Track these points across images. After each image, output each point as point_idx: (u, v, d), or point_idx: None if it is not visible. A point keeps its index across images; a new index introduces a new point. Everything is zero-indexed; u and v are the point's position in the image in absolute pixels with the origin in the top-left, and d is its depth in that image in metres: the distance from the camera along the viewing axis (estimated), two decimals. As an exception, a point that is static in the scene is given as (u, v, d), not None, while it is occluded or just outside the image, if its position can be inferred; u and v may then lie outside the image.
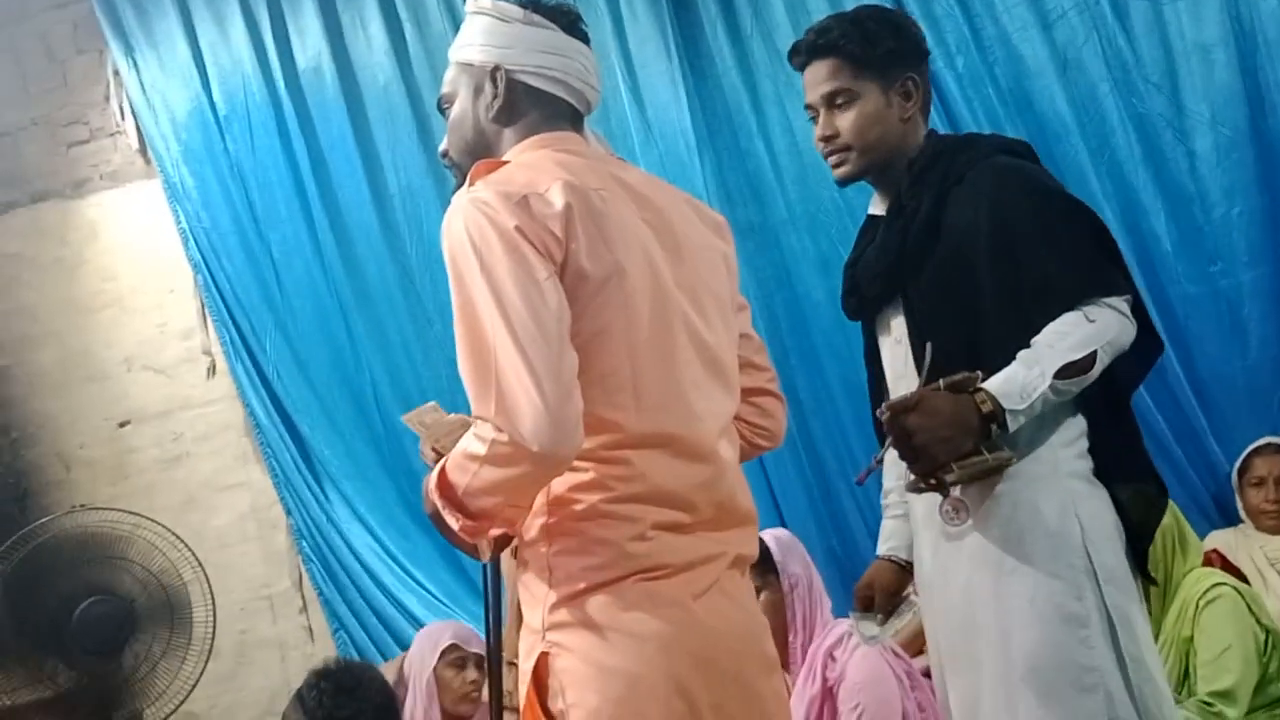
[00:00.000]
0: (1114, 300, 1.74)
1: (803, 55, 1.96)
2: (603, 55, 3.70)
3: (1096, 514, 1.78)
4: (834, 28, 1.93)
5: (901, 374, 1.91)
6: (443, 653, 3.01)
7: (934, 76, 3.44)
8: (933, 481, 1.73)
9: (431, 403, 1.76)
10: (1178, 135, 3.27)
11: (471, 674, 2.99)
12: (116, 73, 4.19)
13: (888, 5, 3.34)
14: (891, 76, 1.91)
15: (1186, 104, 3.27)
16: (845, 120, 1.91)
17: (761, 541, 2.67)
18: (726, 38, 3.72)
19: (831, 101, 1.92)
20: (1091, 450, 1.81)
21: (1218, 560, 2.96)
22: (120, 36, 4.12)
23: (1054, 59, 3.38)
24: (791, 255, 3.67)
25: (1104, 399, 1.81)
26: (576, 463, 1.47)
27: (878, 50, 1.90)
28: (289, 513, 4.02)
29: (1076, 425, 1.81)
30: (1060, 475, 1.79)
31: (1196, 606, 2.73)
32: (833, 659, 2.68)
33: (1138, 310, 1.79)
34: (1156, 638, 2.65)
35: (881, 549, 2.17)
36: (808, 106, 1.98)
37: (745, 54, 3.71)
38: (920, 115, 1.96)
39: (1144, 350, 1.83)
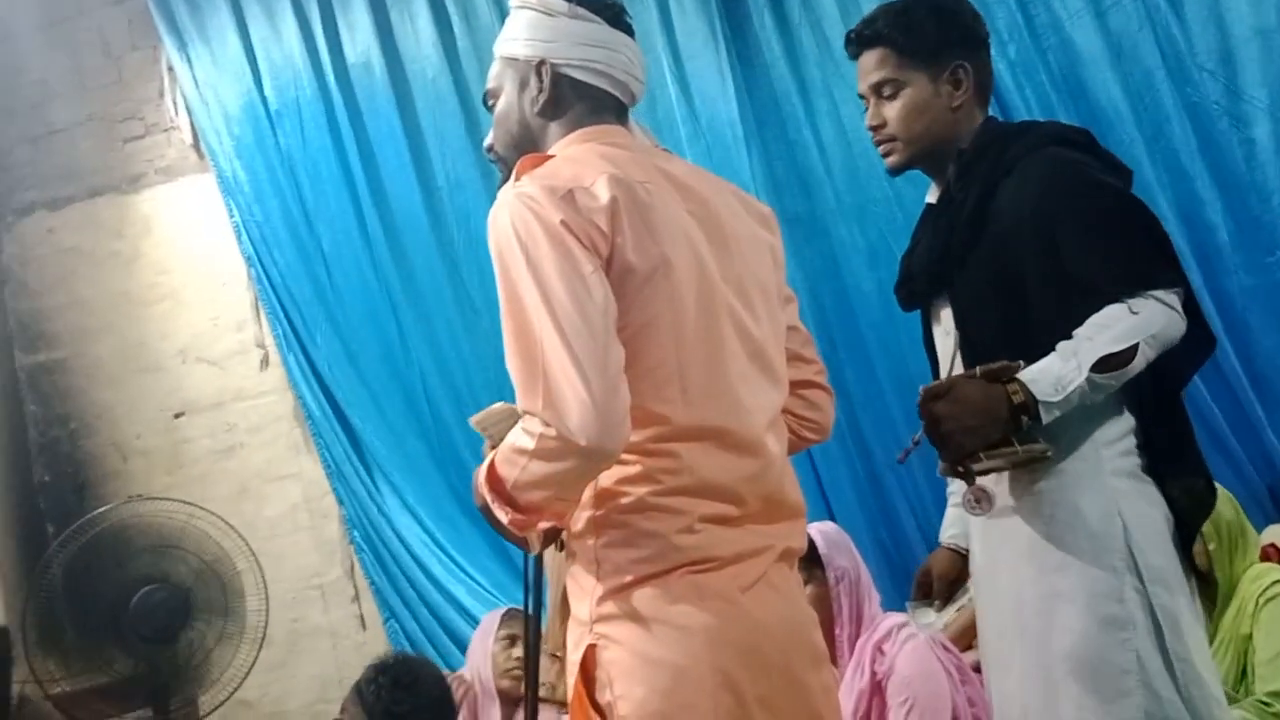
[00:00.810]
0: (1161, 293, 1.71)
1: (853, 45, 1.97)
2: (649, 47, 3.71)
3: (1143, 513, 1.74)
4: (880, 18, 1.93)
5: (947, 365, 1.90)
6: (499, 628, 3.14)
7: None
8: (961, 469, 1.71)
9: (499, 404, 1.75)
10: (1234, 123, 3.20)
11: (518, 650, 3.07)
12: (170, 69, 4.25)
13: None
14: (940, 65, 1.89)
15: (1244, 91, 3.20)
16: (892, 110, 1.91)
17: (807, 534, 2.67)
18: (775, 27, 3.70)
19: (879, 91, 1.93)
20: (1141, 447, 1.78)
21: (1275, 554, 2.90)
22: (174, 33, 4.18)
23: (1108, 46, 3.32)
24: (840, 246, 3.64)
25: (1153, 394, 1.78)
26: (624, 456, 1.47)
27: (924, 39, 1.89)
28: (340, 503, 4.07)
29: (1123, 422, 1.78)
30: (1104, 474, 1.75)
31: (1256, 604, 2.67)
32: (881, 652, 2.66)
33: (1189, 305, 1.75)
34: (1215, 636, 2.61)
35: (943, 536, 2.16)
36: (860, 96, 1.98)
37: (793, 43, 3.69)
38: (976, 103, 1.93)
39: (1195, 345, 1.79)
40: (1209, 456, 3.13)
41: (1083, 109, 3.34)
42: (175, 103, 4.28)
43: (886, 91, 1.92)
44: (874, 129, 1.95)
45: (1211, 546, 2.61)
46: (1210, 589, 2.60)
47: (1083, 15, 3.34)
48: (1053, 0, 3.38)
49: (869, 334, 3.56)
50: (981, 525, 1.87)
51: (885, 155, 1.95)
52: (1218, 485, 2.70)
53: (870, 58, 1.93)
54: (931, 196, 2.00)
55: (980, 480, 1.74)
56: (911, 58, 1.89)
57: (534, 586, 1.97)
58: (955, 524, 2.12)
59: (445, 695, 2.84)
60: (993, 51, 3.31)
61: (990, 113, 3.26)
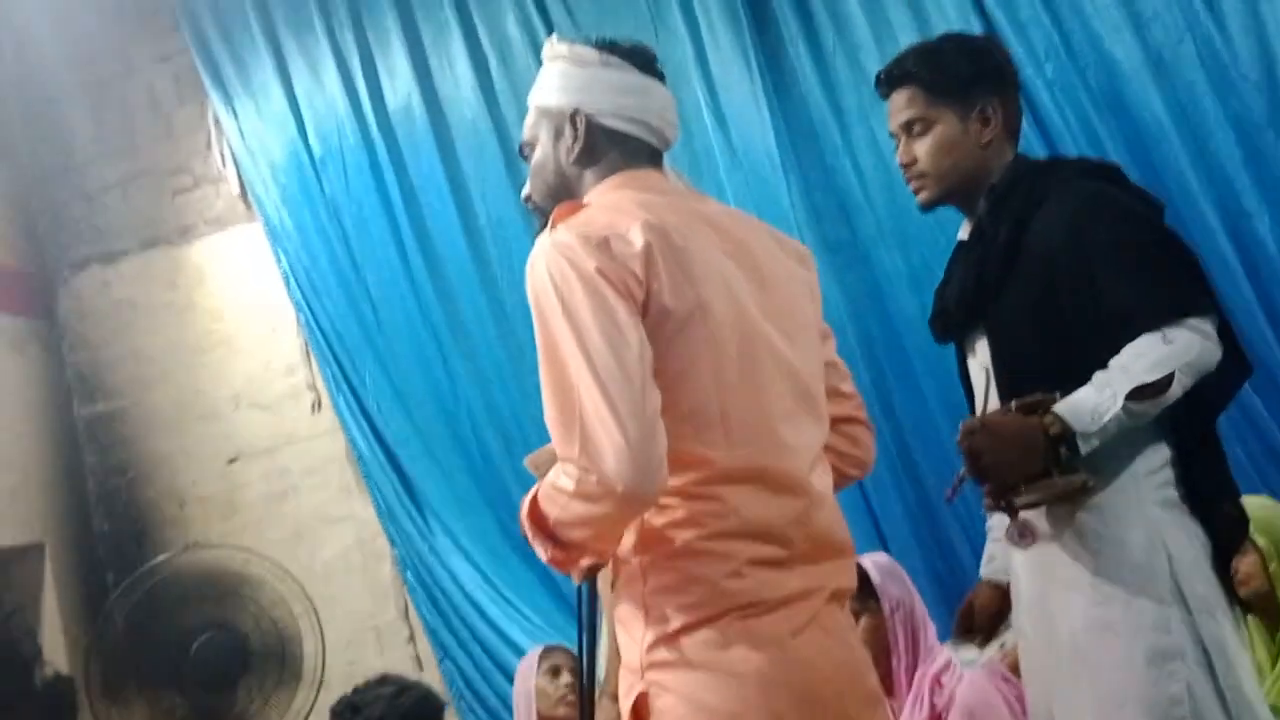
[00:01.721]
0: (1195, 321, 1.71)
1: (883, 85, 2.00)
2: (684, 80, 3.73)
3: (1185, 543, 1.74)
4: (909, 57, 1.97)
5: (983, 398, 1.90)
6: (540, 664, 3.09)
7: (1023, 85, 3.37)
8: (1003, 503, 1.71)
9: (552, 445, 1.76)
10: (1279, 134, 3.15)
11: (566, 678, 3.03)
12: (217, 122, 4.33)
13: (977, 19, 3.38)
14: (969, 103, 1.92)
15: (1288, 101, 3.15)
16: (922, 147, 1.94)
17: (860, 565, 2.64)
18: (809, 55, 3.69)
19: (909, 129, 1.95)
20: (1180, 477, 1.78)
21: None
22: (220, 87, 4.27)
23: (1148, 61, 3.28)
24: (882, 272, 3.62)
25: (1190, 423, 1.78)
26: (669, 500, 1.48)
27: (952, 78, 1.92)
28: (393, 543, 4.09)
29: (1160, 453, 1.78)
30: (1145, 504, 1.75)
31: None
32: (940, 684, 2.63)
33: (1224, 331, 1.76)
34: (1277, 662, 2.55)
35: (984, 571, 2.16)
36: (891, 134, 2.01)
37: (828, 71, 3.68)
38: (1005, 140, 1.95)
39: (1231, 372, 1.79)
40: (1266, 470, 3.09)
41: (1125, 125, 3.30)
42: (223, 155, 4.36)
43: (916, 129, 1.94)
44: (905, 166, 1.97)
45: (1273, 566, 2.55)
46: (1273, 608, 2.55)
47: (1121, 31, 3.30)
48: (1090, 18, 3.34)
49: (916, 359, 3.53)
50: (1024, 558, 1.86)
51: (916, 192, 1.97)
52: (1277, 502, 2.67)
53: (900, 96, 1.96)
54: (963, 232, 2.02)
55: (1023, 514, 1.74)
56: (941, 96, 1.92)
57: (588, 624, 1.97)
58: (995, 558, 2.12)
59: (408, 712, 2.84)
60: (1030, 71, 3.35)
61: (1030, 133, 3.29)
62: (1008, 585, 2.05)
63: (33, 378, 4.28)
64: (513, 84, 3.97)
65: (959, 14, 3.44)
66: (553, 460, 1.70)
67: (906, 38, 3.50)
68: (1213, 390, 1.77)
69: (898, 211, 3.58)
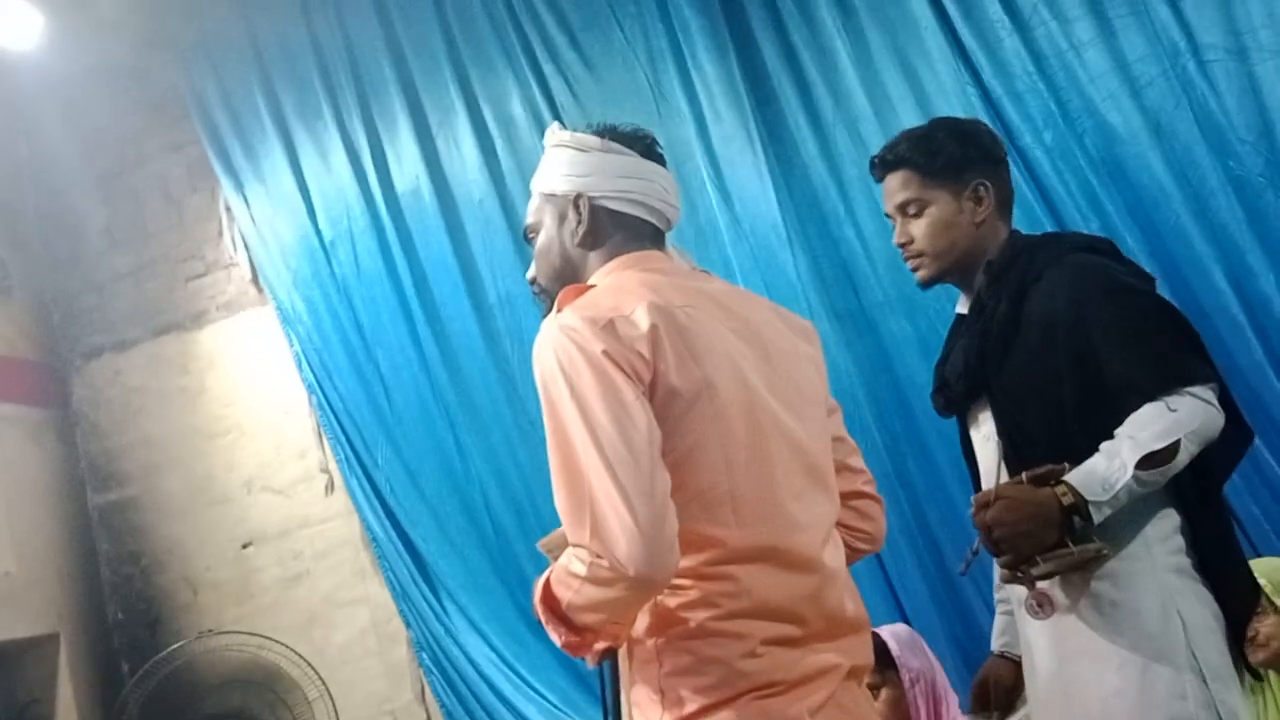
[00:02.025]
0: (1197, 389, 1.74)
1: (878, 169, 2.06)
2: (688, 155, 3.78)
3: (1198, 611, 1.75)
4: (902, 142, 2.02)
5: (991, 470, 1.93)
6: None
7: (1022, 152, 3.42)
8: (1019, 574, 1.73)
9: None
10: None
11: None
12: (228, 208, 4.40)
13: (974, 89, 3.42)
14: (961, 183, 1.97)
15: (1287, 161, 3.17)
16: (918, 227, 1.99)
17: (878, 637, 2.62)
18: (809, 128, 3.73)
19: (905, 210, 2.01)
20: (1190, 544, 1.79)
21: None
22: (230, 174, 4.34)
23: (1145, 125, 3.31)
24: (890, 339, 3.63)
25: (1197, 491, 1.80)
26: (681, 581, 1.47)
27: (944, 160, 1.97)
28: (408, 625, 4.07)
29: (1170, 520, 1.80)
30: (1158, 571, 1.77)
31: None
32: (963, 758, 2.59)
33: (1225, 399, 1.78)
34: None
35: (995, 645, 2.15)
36: (887, 215, 2.06)
37: (828, 143, 3.72)
38: (998, 217, 2.01)
39: (1234, 439, 1.81)
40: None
41: (1125, 189, 3.32)
42: (234, 240, 4.42)
43: (912, 210, 2.00)
44: (902, 246, 2.03)
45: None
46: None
47: (1117, 97, 3.34)
48: (1085, 85, 3.38)
49: (927, 426, 3.52)
50: (1039, 629, 1.86)
51: (915, 270, 2.03)
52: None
53: (895, 179, 2.02)
54: (961, 307, 2.06)
55: (1040, 584, 1.75)
56: (934, 178, 1.97)
57: (612, 708, 1.95)
58: (1006, 631, 2.13)
59: None
60: (1029, 139, 3.39)
61: (1031, 199, 3.32)
62: (1020, 658, 2.04)
63: (48, 467, 4.30)
64: (519, 163, 4.03)
65: (955, 85, 3.49)
66: (566, 543, 1.70)
67: (904, 108, 3.55)
68: (1217, 458, 1.80)
69: (903, 279, 3.59)
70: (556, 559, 1.70)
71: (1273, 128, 3.17)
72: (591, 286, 1.60)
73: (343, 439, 4.16)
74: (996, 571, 2.11)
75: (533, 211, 1.73)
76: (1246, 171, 3.18)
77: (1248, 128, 3.19)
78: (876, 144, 3.38)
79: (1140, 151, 3.32)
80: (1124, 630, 1.74)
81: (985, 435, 1.95)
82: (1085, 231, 3.26)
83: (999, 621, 2.15)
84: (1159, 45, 3.31)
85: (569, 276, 1.68)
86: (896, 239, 2.03)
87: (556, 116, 3.93)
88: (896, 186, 2.01)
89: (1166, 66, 3.30)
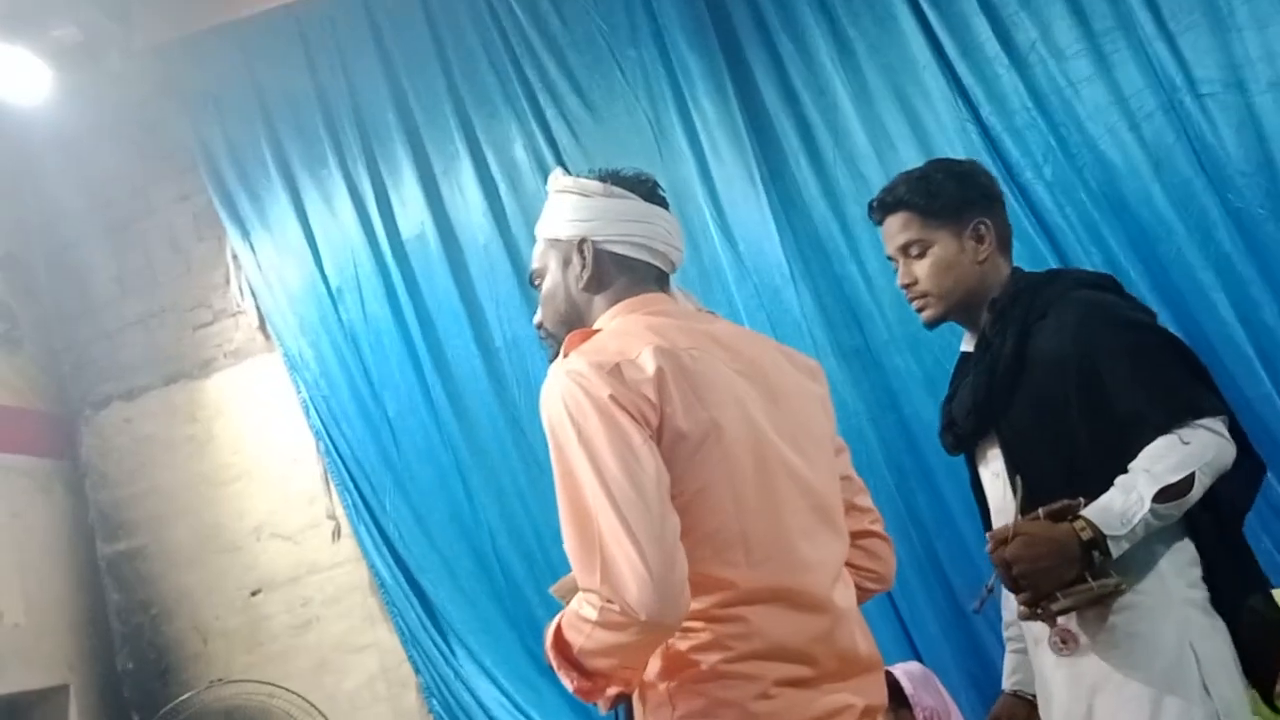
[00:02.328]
0: (1208, 421, 1.75)
1: (877, 212, 2.08)
2: (691, 197, 3.80)
3: (1213, 644, 1.75)
4: (901, 184, 2.04)
5: (1001, 507, 1.92)
6: None
7: (1024, 187, 3.45)
8: (1040, 610, 1.72)
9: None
10: (1281, 224, 3.19)
11: None
12: (235, 257, 4.42)
13: (974, 126, 3.45)
14: (961, 223, 1.99)
15: (1287, 193, 3.19)
16: (921, 268, 2.01)
17: (891, 675, 2.61)
18: (810, 167, 3.76)
19: (907, 252, 2.03)
20: (1206, 578, 1.79)
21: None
22: (237, 223, 4.37)
23: (1145, 159, 3.33)
24: (896, 376, 3.63)
25: (1213, 524, 1.79)
26: (692, 623, 1.47)
27: (944, 200, 1.99)
28: (417, 670, 4.04)
29: (1185, 553, 1.80)
30: (1174, 604, 1.77)
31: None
32: (979, 797, 2.57)
33: (1235, 431, 1.79)
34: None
35: (1006, 684, 2.14)
36: (889, 258, 2.06)
37: (830, 182, 3.75)
38: (999, 255, 2.01)
39: (1248, 470, 1.82)
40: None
41: (1127, 222, 3.34)
42: (241, 288, 4.44)
43: (914, 251, 2.01)
44: (906, 287, 2.04)
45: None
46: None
47: (1116, 132, 3.37)
48: (1084, 120, 3.41)
49: (935, 462, 3.52)
50: (1054, 664, 1.85)
51: (920, 310, 2.03)
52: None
53: (895, 222, 2.03)
54: (966, 345, 2.05)
55: (1061, 619, 1.75)
56: (935, 218, 1.99)
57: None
58: (1018, 669, 2.12)
59: None
60: (1029, 174, 3.41)
61: (1033, 234, 3.33)
62: (1033, 696, 2.03)
63: (57, 518, 4.30)
64: (523, 207, 4.05)
65: (955, 122, 3.52)
66: (577, 588, 1.70)
67: (905, 147, 3.58)
68: (1231, 490, 1.79)
69: (907, 316, 3.58)
70: (568, 604, 1.71)
71: (1272, 160, 3.20)
72: (597, 331, 1.62)
73: (350, 485, 4.15)
74: (1005, 608, 2.10)
75: (538, 256, 1.74)
76: (1246, 204, 3.20)
77: (1247, 160, 3.21)
78: (877, 182, 3.44)
79: (1140, 185, 3.34)
80: (1139, 664, 1.74)
81: (994, 472, 1.95)
82: (1088, 265, 3.27)
83: (1010, 660, 2.14)
84: (1156, 80, 3.35)
85: (575, 321, 1.69)
86: (900, 280, 2.04)
87: (559, 160, 3.96)
88: (897, 228, 2.03)
89: (1164, 101, 3.33)
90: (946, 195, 1.99)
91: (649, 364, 1.49)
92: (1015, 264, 2.06)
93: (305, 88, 4.31)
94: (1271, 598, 1.85)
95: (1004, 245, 2.03)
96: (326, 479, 4.26)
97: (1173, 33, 3.34)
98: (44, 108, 4.16)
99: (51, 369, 4.53)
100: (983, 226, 1.99)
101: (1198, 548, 1.79)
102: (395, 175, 4.21)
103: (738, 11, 3.85)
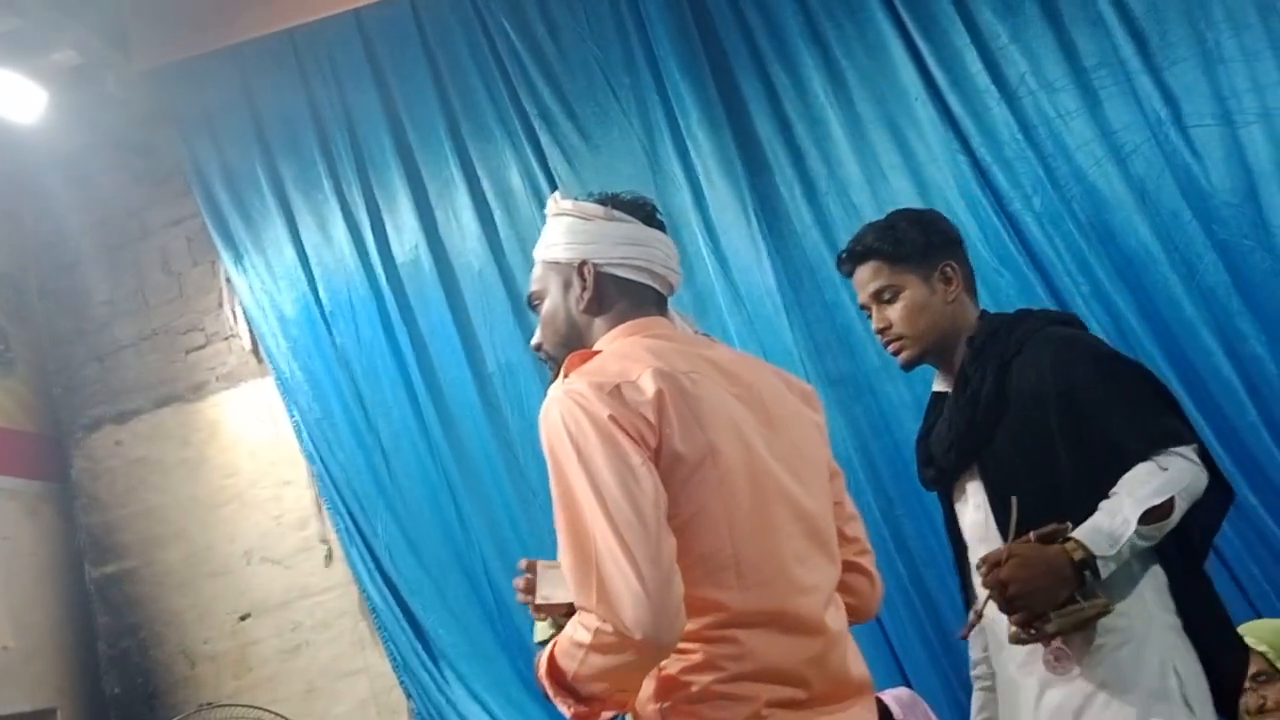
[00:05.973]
0: (1183, 449, 1.82)
1: (846, 264, 2.15)
2: (684, 224, 3.83)
3: (1191, 666, 1.81)
4: (868, 234, 2.12)
5: (983, 537, 1.98)
6: None
7: (1012, 217, 3.49)
8: (1033, 631, 1.76)
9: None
10: (1266, 255, 3.22)
11: None
12: (228, 280, 4.44)
13: (964, 157, 3.49)
14: (929, 266, 2.07)
15: (1270, 223, 3.22)
16: (895, 312, 2.07)
17: (881, 701, 2.61)
18: (803, 197, 3.79)
19: (879, 298, 2.09)
20: (1177, 604, 1.85)
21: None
22: (231, 246, 4.38)
23: (1131, 190, 3.38)
24: (887, 402, 3.65)
25: (1181, 552, 1.86)
26: (685, 644, 1.48)
27: (909, 246, 2.06)
28: (409, 695, 4.03)
29: (1160, 578, 1.86)
30: (1155, 627, 1.82)
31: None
32: (968, 823, 2.57)
33: (1205, 458, 1.85)
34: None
35: None
36: (861, 306, 2.13)
37: (821, 210, 3.78)
38: (966, 296, 2.11)
39: (1216, 498, 1.88)
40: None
41: (1114, 253, 3.38)
42: (234, 312, 4.45)
43: (886, 296, 2.08)
44: (881, 332, 2.10)
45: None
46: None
47: (1103, 164, 3.42)
48: (1073, 152, 3.46)
49: (922, 490, 3.52)
50: (1036, 690, 1.88)
51: (896, 354, 2.10)
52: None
53: (865, 271, 2.10)
54: (939, 385, 2.12)
55: (1054, 640, 1.79)
56: (903, 263, 2.06)
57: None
58: (986, 707, 2.16)
59: None
60: (1018, 205, 3.45)
61: (1022, 263, 3.37)
62: None
63: (45, 541, 4.29)
64: (517, 232, 4.07)
65: (945, 153, 3.56)
66: (555, 606, 1.70)
67: (896, 177, 3.63)
68: (1204, 515, 1.86)
69: (898, 344, 3.63)
70: (549, 622, 1.72)
71: (1258, 191, 3.24)
72: (598, 352, 1.63)
73: (342, 509, 4.15)
74: (974, 647, 2.14)
75: (537, 279, 1.76)
76: (1232, 235, 3.24)
77: (1233, 191, 3.26)
78: (869, 212, 3.48)
79: (1128, 216, 3.38)
80: (1124, 684, 1.79)
81: (975, 505, 2.01)
82: (1076, 294, 3.32)
83: (978, 697, 2.17)
84: (1142, 113, 3.40)
85: (574, 342, 1.70)
86: (875, 325, 2.11)
87: (554, 187, 3.99)
88: (868, 277, 2.10)
89: (1151, 133, 3.38)
90: (912, 241, 2.06)
91: (649, 386, 1.51)
92: (987, 301, 2.14)
93: (301, 112, 4.34)
94: (1233, 629, 1.92)
95: (969, 287, 2.11)
96: (318, 503, 4.26)
97: (1159, 66, 3.40)
98: (40, 130, 4.18)
99: (43, 391, 4.53)
100: (949, 269, 2.07)
101: (1167, 574, 1.85)
102: (390, 200, 4.24)
103: (731, 40, 3.89)
